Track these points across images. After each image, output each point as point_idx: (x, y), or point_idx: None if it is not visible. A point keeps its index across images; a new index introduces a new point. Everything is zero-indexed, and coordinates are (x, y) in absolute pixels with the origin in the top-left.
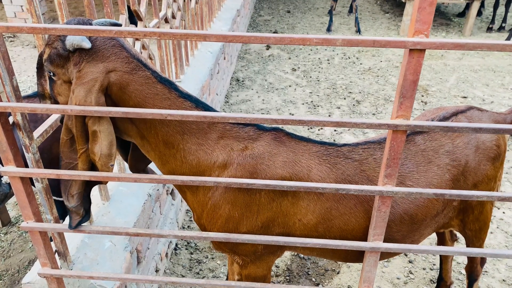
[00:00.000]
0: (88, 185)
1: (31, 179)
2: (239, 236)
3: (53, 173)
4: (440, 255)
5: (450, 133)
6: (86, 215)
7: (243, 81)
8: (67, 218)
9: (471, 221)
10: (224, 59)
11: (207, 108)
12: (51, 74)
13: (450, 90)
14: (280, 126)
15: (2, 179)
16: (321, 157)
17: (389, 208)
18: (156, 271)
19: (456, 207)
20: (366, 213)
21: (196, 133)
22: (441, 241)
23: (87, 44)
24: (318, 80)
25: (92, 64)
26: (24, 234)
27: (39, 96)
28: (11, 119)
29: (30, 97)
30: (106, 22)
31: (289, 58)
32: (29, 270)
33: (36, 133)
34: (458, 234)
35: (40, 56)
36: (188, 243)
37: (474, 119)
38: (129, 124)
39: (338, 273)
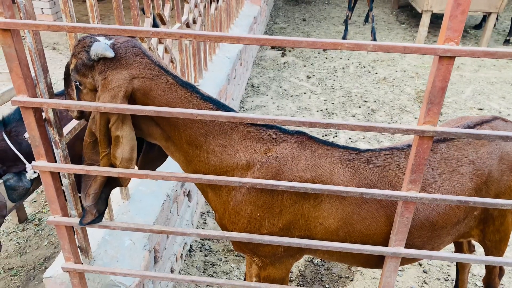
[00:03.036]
0: (107, 187)
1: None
2: (261, 237)
3: (82, 169)
4: (457, 266)
5: (474, 143)
6: (99, 216)
7: (258, 87)
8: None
9: (492, 231)
10: (241, 65)
11: (228, 109)
12: (78, 83)
13: (466, 101)
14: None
15: (26, 175)
16: (344, 162)
17: (412, 214)
18: (172, 271)
19: (477, 217)
20: (387, 218)
21: (219, 135)
22: (458, 252)
23: (110, 53)
24: (333, 88)
25: (116, 72)
26: (40, 232)
27: None
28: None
29: (57, 95)
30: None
31: (304, 66)
32: (45, 267)
33: (66, 130)
34: (476, 246)
35: (67, 66)
36: (202, 245)
37: (499, 129)
38: (154, 127)
39: (351, 280)
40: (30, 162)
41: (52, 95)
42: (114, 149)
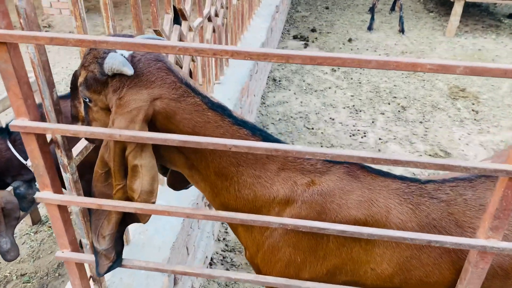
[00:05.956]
0: (122, 225)
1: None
2: (302, 283)
3: (94, 202)
4: None
5: None
6: (118, 259)
7: (280, 81)
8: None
9: None
10: None
11: (265, 135)
12: (87, 100)
13: (503, 98)
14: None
15: (37, 183)
16: (402, 196)
17: (489, 265)
18: None
19: None
20: (453, 264)
21: (252, 164)
22: None
23: (128, 70)
24: (360, 83)
25: (134, 91)
26: (54, 234)
27: (72, 118)
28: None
29: (63, 98)
30: (149, 37)
31: None
32: (58, 273)
33: (75, 151)
34: None
35: (75, 76)
36: (223, 257)
37: None
38: (177, 154)
39: None
40: None
41: (58, 112)
42: (131, 181)
